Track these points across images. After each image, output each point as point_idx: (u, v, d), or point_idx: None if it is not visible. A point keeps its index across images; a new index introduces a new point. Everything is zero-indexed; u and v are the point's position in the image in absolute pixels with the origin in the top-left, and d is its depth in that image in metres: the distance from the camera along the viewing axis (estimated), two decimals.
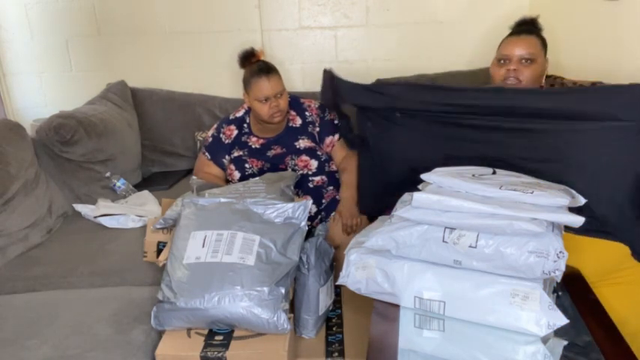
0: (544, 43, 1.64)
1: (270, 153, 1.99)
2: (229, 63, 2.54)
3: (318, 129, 2.04)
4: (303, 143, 1.99)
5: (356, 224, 1.86)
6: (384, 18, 2.60)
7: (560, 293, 1.28)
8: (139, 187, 2.37)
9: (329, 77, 1.70)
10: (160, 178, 2.54)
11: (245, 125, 2.06)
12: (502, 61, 1.62)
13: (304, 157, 1.96)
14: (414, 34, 2.62)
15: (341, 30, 2.63)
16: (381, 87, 1.63)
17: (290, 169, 1.95)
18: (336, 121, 2.07)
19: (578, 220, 1.10)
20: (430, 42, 2.63)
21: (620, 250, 1.43)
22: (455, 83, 2.46)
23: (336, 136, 2.05)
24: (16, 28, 2.70)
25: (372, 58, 2.67)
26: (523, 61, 1.58)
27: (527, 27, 1.66)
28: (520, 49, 1.59)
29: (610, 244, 1.42)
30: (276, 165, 1.97)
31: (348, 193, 1.92)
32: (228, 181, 2.05)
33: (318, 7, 2.60)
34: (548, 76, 1.76)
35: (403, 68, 2.62)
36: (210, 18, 2.61)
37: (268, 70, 1.90)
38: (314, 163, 1.96)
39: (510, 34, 1.67)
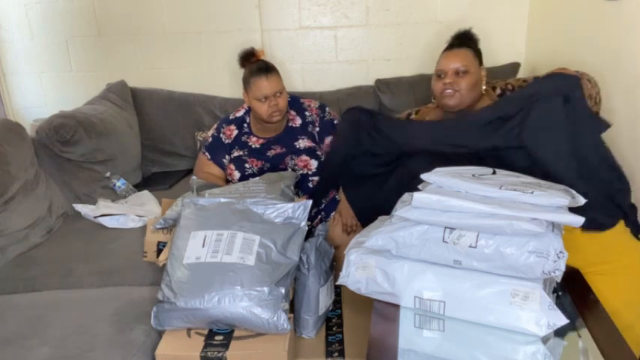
0: (477, 54, 1.76)
1: (270, 153, 1.99)
2: (229, 63, 2.54)
3: (317, 129, 2.04)
4: (303, 143, 1.99)
5: (356, 224, 1.86)
6: (384, 18, 2.60)
7: (560, 293, 1.29)
8: (139, 187, 2.37)
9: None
10: (160, 178, 2.54)
11: (245, 125, 2.06)
12: (440, 76, 1.74)
13: (304, 157, 1.96)
14: (414, 34, 2.61)
15: (341, 30, 2.63)
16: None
17: (290, 169, 1.95)
18: (335, 121, 2.07)
19: (578, 220, 1.10)
20: (430, 42, 2.63)
21: (606, 241, 1.44)
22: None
23: None
24: (16, 28, 2.70)
25: (372, 58, 2.67)
26: (458, 73, 1.69)
27: (460, 40, 1.78)
28: (453, 62, 1.71)
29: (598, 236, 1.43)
30: (276, 165, 1.97)
31: None
32: (228, 181, 2.05)
33: (318, 7, 2.60)
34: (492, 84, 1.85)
35: (403, 68, 2.62)
36: (210, 18, 2.61)
37: (267, 69, 1.91)
38: (314, 163, 1.96)
39: (444, 50, 1.78)
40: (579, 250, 1.38)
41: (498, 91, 1.81)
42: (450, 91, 1.70)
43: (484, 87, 1.76)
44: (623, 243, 1.46)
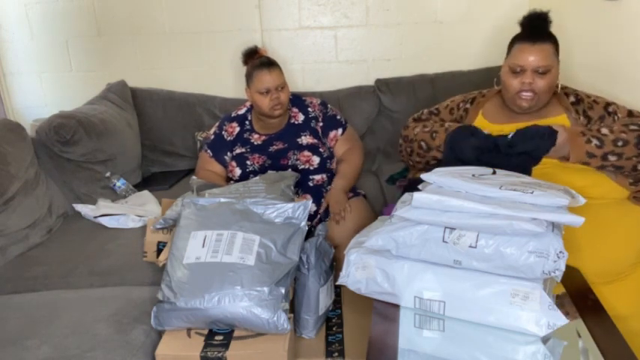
0: (557, 47, 1.57)
1: (272, 148, 1.99)
2: (229, 63, 2.54)
3: (321, 124, 2.05)
4: (305, 139, 2.00)
5: (343, 210, 1.87)
6: (384, 18, 2.60)
7: (560, 293, 1.29)
8: (138, 187, 2.37)
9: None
10: (160, 178, 2.54)
11: (247, 122, 2.06)
12: (516, 71, 1.54)
13: (306, 153, 1.97)
14: (414, 34, 2.61)
15: (341, 30, 2.63)
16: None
17: (291, 164, 1.96)
18: (338, 117, 2.09)
19: (578, 220, 1.10)
20: (430, 42, 2.63)
21: (622, 255, 1.43)
22: (455, 83, 2.46)
23: (339, 131, 2.08)
24: (16, 28, 2.70)
25: (372, 58, 2.67)
26: (538, 71, 1.52)
27: (540, 30, 1.56)
28: (535, 59, 1.51)
29: (611, 248, 1.43)
30: (277, 160, 1.97)
31: (339, 182, 1.97)
32: (229, 179, 2.05)
33: (318, 7, 2.60)
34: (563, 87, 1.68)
35: (403, 68, 2.62)
36: (210, 18, 2.61)
37: (270, 63, 1.93)
38: (316, 159, 1.97)
39: (524, 39, 1.55)
40: (586, 267, 1.39)
41: (572, 99, 1.62)
42: (528, 94, 1.53)
43: (559, 88, 1.61)
44: (631, 257, 1.45)
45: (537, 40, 1.52)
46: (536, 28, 1.56)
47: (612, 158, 1.45)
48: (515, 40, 1.59)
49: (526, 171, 1.44)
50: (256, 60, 1.95)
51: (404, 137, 1.80)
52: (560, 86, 1.62)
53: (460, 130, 1.60)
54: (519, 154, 1.47)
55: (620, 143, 1.44)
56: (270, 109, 1.92)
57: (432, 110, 1.83)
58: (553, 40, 1.56)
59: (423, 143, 1.69)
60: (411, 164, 1.82)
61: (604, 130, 1.47)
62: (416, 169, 1.83)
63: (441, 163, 1.63)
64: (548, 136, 1.45)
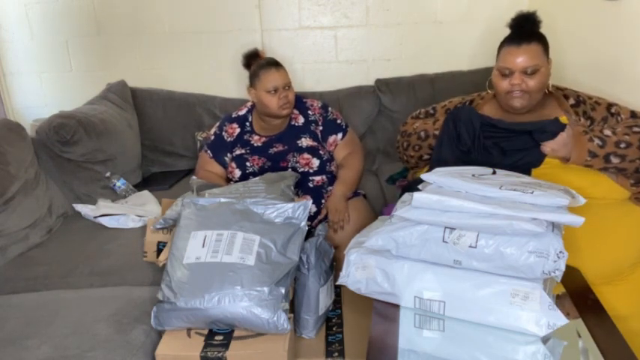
0: (545, 46, 1.56)
1: (272, 150, 1.99)
2: (229, 63, 2.54)
3: (321, 127, 2.04)
4: (305, 142, 1.99)
5: (342, 219, 1.87)
6: (384, 18, 2.60)
7: (560, 293, 1.29)
8: (138, 187, 2.37)
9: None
10: (160, 178, 2.54)
11: (247, 124, 2.06)
12: (505, 74, 1.55)
13: (306, 156, 1.97)
14: (414, 34, 2.61)
15: (341, 30, 2.63)
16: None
17: (291, 167, 1.95)
18: (338, 121, 2.08)
19: (578, 220, 1.10)
20: (430, 42, 2.63)
21: (622, 256, 1.43)
22: (455, 83, 2.47)
23: (339, 135, 2.06)
24: (16, 28, 2.70)
25: (372, 58, 2.67)
26: (526, 72, 1.52)
27: (526, 30, 1.56)
28: (522, 60, 1.51)
29: (611, 249, 1.43)
30: (277, 162, 1.97)
31: (339, 188, 1.96)
32: (228, 180, 2.05)
33: (318, 7, 2.60)
34: (560, 88, 1.67)
35: (403, 68, 2.62)
36: (210, 18, 2.61)
37: (277, 63, 1.95)
38: (315, 162, 1.97)
39: (510, 42, 1.56)
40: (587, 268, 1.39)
41: (572, 101, 1.61)
42: (518, 92, 1.54)
43: (550, 83, 1.60)
44: (631, 257, 1.46)
45: (523, 42, 1.53)
46: (523, 30, 1.56)
47: (615, 160, 1.45)
48: (503, 43, 1.60)
49: (529, 151, 1.49)
50: (262, 60, 1.96)
51: (402, 132, 1.83)
52: (550, 86, 1.62)
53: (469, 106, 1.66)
54: (523, 134, 1.49)
55: (622, 145, 1.44)
56: (278, 108, 1.92)
57: (428, 110, 1.86)
58: (541, 40, 1.56)
59: (422, 133, 1.72)
60: (405, 159, 1.84)
61: (607, 132, 1.48)
62: (409, 164, 1.86)
63: (432, 162, 1.64)
64: (557, 123, 1.47)
